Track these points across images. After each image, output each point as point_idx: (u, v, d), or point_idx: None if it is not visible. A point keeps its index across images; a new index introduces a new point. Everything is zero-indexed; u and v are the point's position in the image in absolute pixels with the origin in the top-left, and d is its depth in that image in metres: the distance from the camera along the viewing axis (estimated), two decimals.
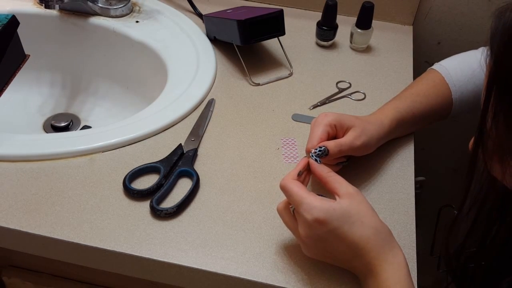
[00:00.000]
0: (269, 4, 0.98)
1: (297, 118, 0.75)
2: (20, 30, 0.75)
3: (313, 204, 0.51)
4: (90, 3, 0.87)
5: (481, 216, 0.60)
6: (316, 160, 0.57)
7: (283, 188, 0.54)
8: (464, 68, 0.70)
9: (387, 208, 0.64)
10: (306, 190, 0.53)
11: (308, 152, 0.60)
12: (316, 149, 0.59)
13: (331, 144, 0.60)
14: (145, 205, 0.61)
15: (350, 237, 0.51)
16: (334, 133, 0.63)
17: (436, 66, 0.73)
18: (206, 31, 0.89)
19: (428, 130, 0.74)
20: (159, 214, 0.60)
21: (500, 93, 0.43)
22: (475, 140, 0.49)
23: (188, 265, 0.56)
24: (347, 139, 0.62)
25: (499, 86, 0.43)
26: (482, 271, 0.62)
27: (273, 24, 0.79)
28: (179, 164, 0.65)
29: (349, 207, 0.51)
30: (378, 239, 0.51)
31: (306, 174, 0.57)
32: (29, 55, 0.79)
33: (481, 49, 0.47)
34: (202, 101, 0.76)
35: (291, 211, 0.55)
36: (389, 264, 0.50)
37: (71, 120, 0.89)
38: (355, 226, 0.51)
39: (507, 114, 0.43)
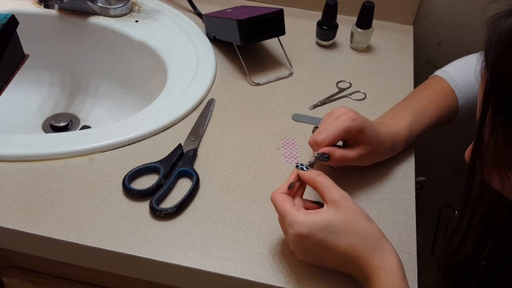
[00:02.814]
0: (269, 3, 0.97)
1: (297, 118, 0.75)
2: (19, 30, 0.75)
3: (295, 219, 0.51)
4: (89, 3, 0.87)
5: (476, 219, 0.60)
6: (302, 168, 0.55)
7: (272, 202, 0.54)
8: (468, 74, 0.70)
9: (387, 208, 0.64)
10: (291, 204, 0.53)
11: (315, 142, 0.59)
12: (319, 153, 0.58)
13: (336, 156, 0.59)
14: (145, 205, 0.61)
15: (336, 247, 0.50)
16: (348, 138, 0.61)
17: (441, 73, 0.72)
18: (206, 31, 0.89)
19: None
20: (158, 214, 0.59)
21: (498, 107, 0.42)
22: (473, 152, 0.48)
23: (188, 265, 0.56)
24: (353, 156, 0.61)
25: (496, 100, 0.42)
26: (479, 272, 0.62)
27: (273, 24, 0.79)
28: (179, 164, 0.65)
29: (332, 217, 0.51)
30: (366, 246, 0.51)
31: (299, 185, 0.56)
32: (28, 55, 0.78)
33: (481, 53, 0.47)
34: (202, 101, 0.76)
35: None
36: (382, 269, 0.50)
37: (71, 120, 0.89)
38: (340, 236, 0.50)
39: (505, 128, 0.42)
